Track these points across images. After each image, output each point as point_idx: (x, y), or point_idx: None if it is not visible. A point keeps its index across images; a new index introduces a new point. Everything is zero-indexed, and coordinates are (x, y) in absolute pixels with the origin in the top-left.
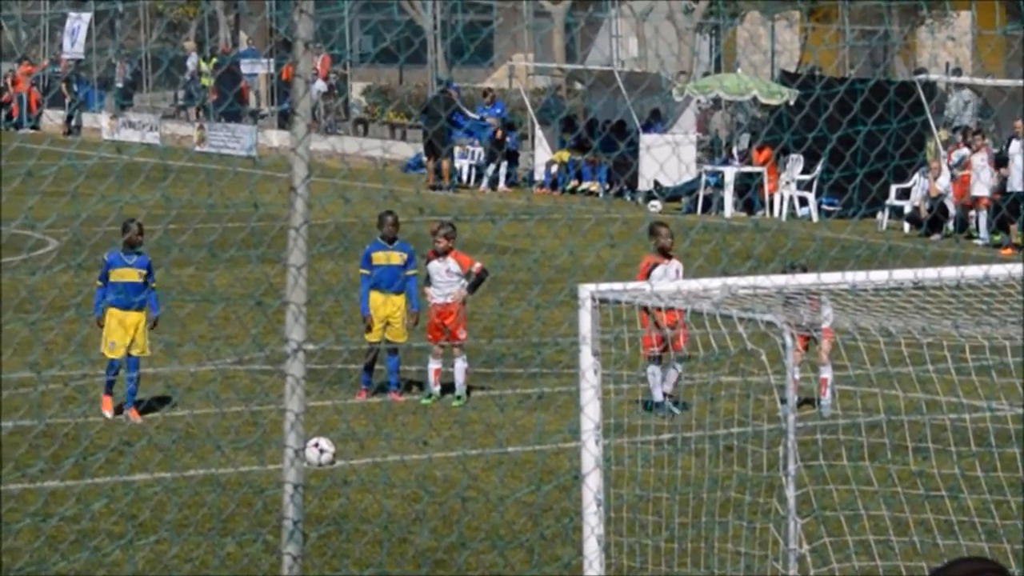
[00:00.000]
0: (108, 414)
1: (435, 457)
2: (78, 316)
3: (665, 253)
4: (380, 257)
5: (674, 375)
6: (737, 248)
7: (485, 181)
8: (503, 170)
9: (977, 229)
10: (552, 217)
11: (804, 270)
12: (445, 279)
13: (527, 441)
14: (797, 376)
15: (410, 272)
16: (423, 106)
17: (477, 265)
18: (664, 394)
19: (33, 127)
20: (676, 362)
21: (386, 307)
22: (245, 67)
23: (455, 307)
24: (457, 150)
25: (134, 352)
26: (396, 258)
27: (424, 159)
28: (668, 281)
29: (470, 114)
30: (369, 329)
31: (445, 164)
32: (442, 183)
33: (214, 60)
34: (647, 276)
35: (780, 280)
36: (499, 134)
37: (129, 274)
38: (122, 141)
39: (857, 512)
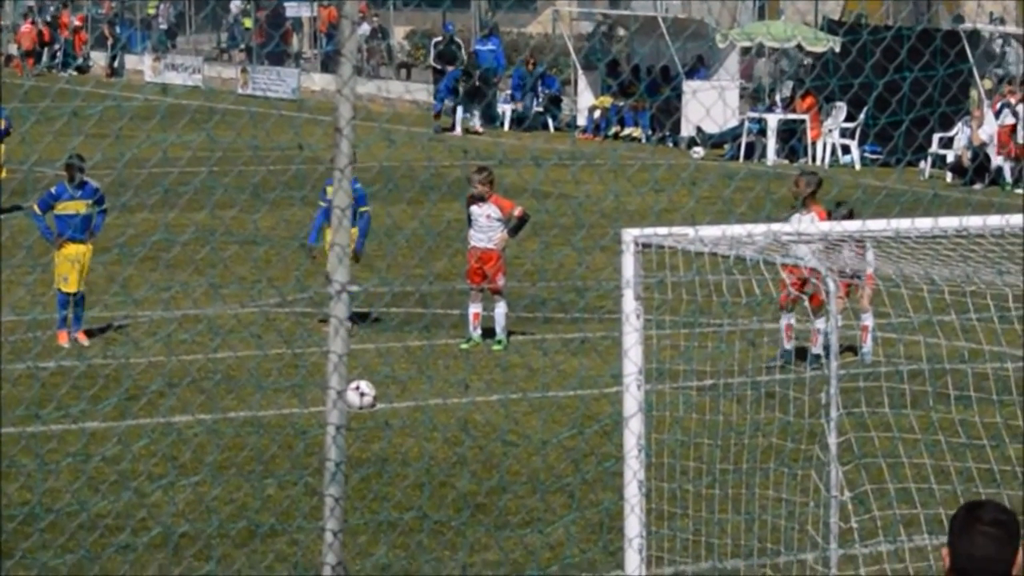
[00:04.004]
0: (66, 345)
1: (477, 401)
2: (120, 257)
3: (804, 203)
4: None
5: (816, 331)
6: (781, 195)
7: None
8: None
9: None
10: (596, 162)
11: (851, 212)
12: (486, 224)
13: (569, 385)
14: (839, 323)
15: (363, 209)
16: (435, 52)
17: (518, 209)
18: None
19: (78, 69)
20: (818, 319)
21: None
22: (290, 10)
23: (496, 253)
24: (500, 95)
25: (81, 287)
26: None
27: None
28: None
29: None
30: (314, 259)
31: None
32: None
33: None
34: None
35: (824, 227)
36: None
37: (77, 206)
38: (165, 83)
39: (899, 460)
